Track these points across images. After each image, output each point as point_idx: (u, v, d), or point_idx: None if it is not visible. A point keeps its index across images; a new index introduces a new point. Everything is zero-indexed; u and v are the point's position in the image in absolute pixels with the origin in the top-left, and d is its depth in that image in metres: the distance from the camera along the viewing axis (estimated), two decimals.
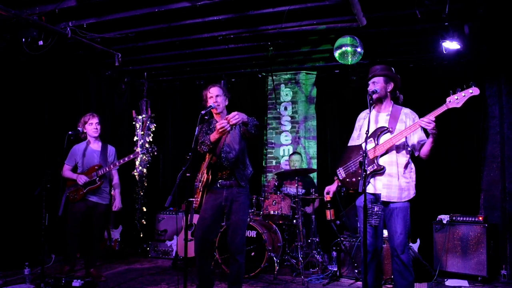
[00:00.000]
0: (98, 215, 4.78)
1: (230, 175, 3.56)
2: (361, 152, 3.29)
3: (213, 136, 3.42)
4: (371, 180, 3.29)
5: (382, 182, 3.25)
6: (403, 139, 3.25)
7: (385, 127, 3.29)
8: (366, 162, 3.13)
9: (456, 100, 3.00)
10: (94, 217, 4.77)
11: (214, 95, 3.59)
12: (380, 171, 3.23)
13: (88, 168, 4.73)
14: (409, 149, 3.31)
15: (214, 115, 3.69)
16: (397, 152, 3.27)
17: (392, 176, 3.24)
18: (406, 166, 3.27)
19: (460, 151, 5.53)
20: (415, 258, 4.65)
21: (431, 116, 3.04)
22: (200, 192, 3.59)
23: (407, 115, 3.32)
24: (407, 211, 3.24)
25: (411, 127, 3.18)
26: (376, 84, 3.36)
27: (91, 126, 4.77)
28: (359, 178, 3.22)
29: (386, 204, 3.27)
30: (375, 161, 3.24)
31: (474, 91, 2.96)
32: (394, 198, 3.23)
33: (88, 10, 4.54)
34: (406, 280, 3.19)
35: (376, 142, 3.28)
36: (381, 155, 3.27)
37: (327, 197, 3.60)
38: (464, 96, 2.98)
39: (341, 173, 3.45)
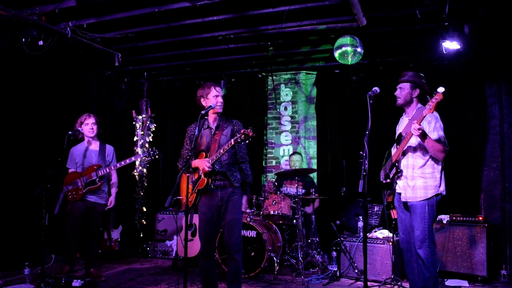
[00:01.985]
0: (97, 214, 4.79)
1: (224, 176, 3.59)
2: (392, 155, 3.61)
3: (194, 164, 3.55)
4: (397, 181, 3.58)
5: (403, 183, 3.51)
6: (418, 141, 3.41)
7: (401, 133, 3.55)
8: (388, 166, 3.56)
9: (429, 106, 3.15)
10: (94, 217, 4.78)
11: (220, 95, 3.63)
12: (398, 173, 3.51)
13: (87, 168, 4.73)
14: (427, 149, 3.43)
15: (210, 114, 3.69)
16: (414, 154, 3.47)
17: (408, 178, 3.47)
18: (423, 167, 3.42)
19: (460, 151, 5.52)
20: None
21: (417, 125, 3.21)
22: (194, 194, 3.60)
23: (425, 119, 3.38)
24: (424, 209, 3.39)
25: (409, 133, 3.33)
26: (402, 90, 3.56)
27: (87, 126, 4.78)
28: (388, 180, 3.60)
29: (405, 203, 3.51)
30: (396, 164, 3.51)
31: (438, 97, 3.09)
32: (409, 198, 3.46)
33: (88, 10, 4.54)
34: (422, 274, 3.35)
35: (397, 147, 3.56)
36: (402, 159, 3.52)
37: (389, 199, 3.83)
38: (433, 102, 3.12)
39: (382, 176, 3.70)
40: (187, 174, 3.62)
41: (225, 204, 3.57)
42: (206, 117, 3.70)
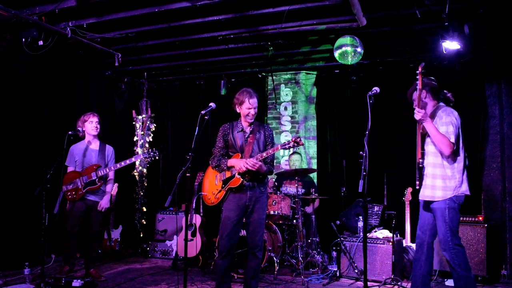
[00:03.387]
0: (97, 214, 4.78)
1: (254, 177, 3.71)
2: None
3: (230, 163, 3.70)
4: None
5: (424, 182, 3.44)
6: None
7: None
8: (417, 172, 3.44)
9: (417, 83, 3.28)
10: (93, 217, 4.77)
11: (253, 107, 3.75)
12: (422, 169, 3.43)
13: (86, 168, 4.73)
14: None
15: (244, 120, 3.81)
16: (432, 153, 3.41)
17: (427, 176, 3.42)
18: (443, 166, 3.35)
19: None
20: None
21: (417, 108, 3.25)
22: (224, 191, 3.75)
23: (438, 116, 3.37)
24: (445, 212, 3.31)
25: (419, 126, 3.34)
26: (415, 101, 3.44)
27: (91, 124, 4.78)
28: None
29: (425, 202, 3.47)
30: (420, 160, 3.43)
31: (420, 68, 3.24)
32: (427, 197, 3.40)
33: (88, 10, 4.54)
34: (452, 277, 3.36)
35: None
36: (425, 158, 3.45)
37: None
38: (418, 77, 3.25)
39: (417, 184, 3.57)
40: (217, 172, 3.83)
41: (253, 204, 3.72)
42: (239, 120, 3.85)
